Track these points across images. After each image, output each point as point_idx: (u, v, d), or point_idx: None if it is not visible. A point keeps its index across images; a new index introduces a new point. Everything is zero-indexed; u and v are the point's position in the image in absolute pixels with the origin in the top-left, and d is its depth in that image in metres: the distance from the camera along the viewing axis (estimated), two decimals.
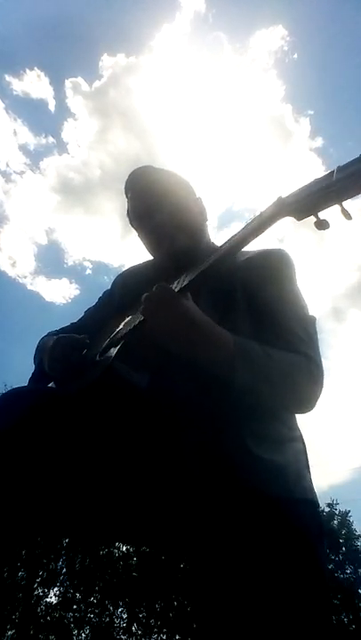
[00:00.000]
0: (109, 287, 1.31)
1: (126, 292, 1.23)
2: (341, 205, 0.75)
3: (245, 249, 1.11)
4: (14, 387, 0.97)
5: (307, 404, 0.97)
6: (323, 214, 0.78)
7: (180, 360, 0.91)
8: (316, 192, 0.76)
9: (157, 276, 1.13)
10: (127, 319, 1.07)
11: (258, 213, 0.86)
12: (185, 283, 0.90)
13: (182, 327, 0.87)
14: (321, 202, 0.76)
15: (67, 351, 1.07)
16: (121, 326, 1.08)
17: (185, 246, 1.10)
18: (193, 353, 0.89)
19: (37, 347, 1.26)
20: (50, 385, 1.23)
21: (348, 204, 0.75)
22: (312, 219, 0.79)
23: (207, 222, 1.21)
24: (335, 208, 0.76)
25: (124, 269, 1.33)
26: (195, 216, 1.16)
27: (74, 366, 1.06)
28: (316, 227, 0.78)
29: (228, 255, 0.89)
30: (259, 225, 0.85)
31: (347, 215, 0.75)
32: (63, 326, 1.35)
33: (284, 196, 0.82)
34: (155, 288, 0.89)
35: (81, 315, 1.36)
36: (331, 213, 0.78)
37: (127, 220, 1.19)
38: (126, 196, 1.19)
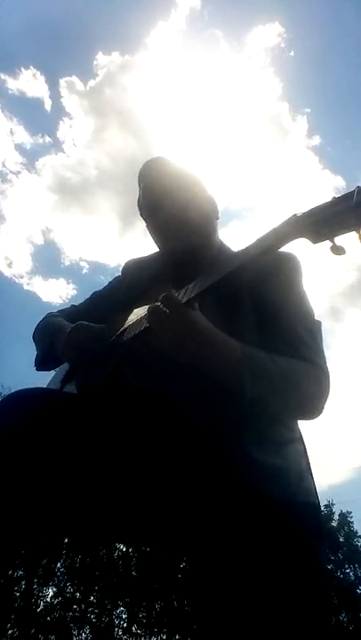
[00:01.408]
0: (120, 274, 1.29)
1: (133, 284, 1.21)
2: (359, 232, 0.71)
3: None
4: (11, 387, 0.96)
5: (314, 410, 0.95)
6: (339, 239, 0.74)
7: (182, 366, 0.89)
8: (333, 216, 0.72)
9: (162, 274, 1.13)
10: (132, 317, 1.06)
11: (271, 230, 0.83)
12: (193, 294, 0.88)
13: (188, 338, 0.85)
14: (338, 228, 0.72)
15: (85, 340, 1.05)
16: (126, 323, 1.07)
17: (190, 243, 1.08)
18: (200, 363, 0.87)
19: (43, 326, 1.24)
20: (59, 368, 1.22)
21: None
22: (327, 242, 0.76)
23: (218, 221, 1.18)
24: (353, 234, 0.72)
25: (130, 259, 1.31)
26: (204, 213, 1.13)
27: (88, 356, 1.05)
28: (332, 252, 0.74)
29: (239, 271, 0.87)
30: (272, 244, 0.82)
31: None
32: (63, 308, 1.33)
33: (298, 214, 0.79)
34: (160, 298, 0.87)
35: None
36: (348, 238, 0.75)
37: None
38: (139, 186, 1.17)
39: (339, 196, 0.74)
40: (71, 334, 1.06)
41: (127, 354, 0.98)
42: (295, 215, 0.78)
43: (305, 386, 0.93)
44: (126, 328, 1.04)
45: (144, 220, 1.19)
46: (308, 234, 0.76)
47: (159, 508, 0.94)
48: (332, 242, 0.74)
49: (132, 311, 1.08)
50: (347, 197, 0.72)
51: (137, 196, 1.20)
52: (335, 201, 0.73)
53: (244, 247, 0.87)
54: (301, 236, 0.78)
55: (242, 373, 0.86)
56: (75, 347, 1.05)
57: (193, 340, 0.85)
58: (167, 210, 1.10)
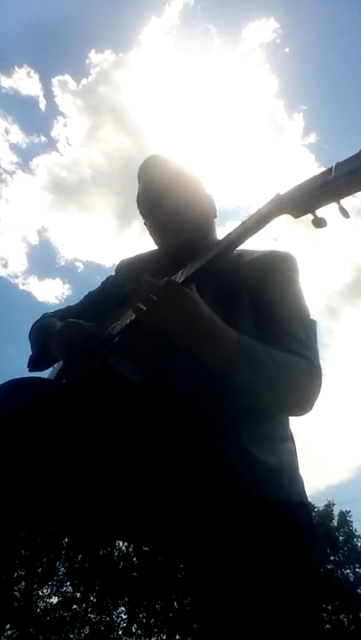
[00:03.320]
0: (114, 273, 1.30)
1: (128, 281, 1.17)
2: (339, 203, 0.74)
3: (251, 249, 1.11)
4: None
5: (304, 405, 0.96)
6: (320, 212, 0.78)
7: (176, 357, 0.90)
8: (313, 190, 0.76)
9: (158, 270, 1.13)
10: (128, 312, 1.06)
11: (256, 210, 0.86)
12: (183, 277, 0.90)
13: (188, 320, 0.86)
14: (318, 200, 0.75)
15: (75, 335, 1.06)
16: (120, 318, 1.07)
17: (190, 239, 1.09)
18: (195, 347, 0.88)
19: (37, 327, 1.25)
20: (55, 366, 1.22)
21: (346, 201, 0.75)
22: (309, 216, 0.79)
23: (215, 219, 1.21)
24: (333, 206, 0.76)
25: (124, 258, 1.32)
26: (203, 211, 1.16)
27: (79, 352, 1.05)
28: (314, 225, 0.78)
29: (227, 251, 0.89)
30: (256, 222, 0.85)
31: (344, 213, 0.74)
32: (59, 309, 1.34)
33: (281, 193, 0.82)
34: (162, 282, 0.88)
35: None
36: (328, 211, 0.78)
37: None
38: (139, 182, 1.19)
39: (319, 172, 0.78)
40: (60, 331, 1.07)
41: (118, 345, 0.98)
42: (278, 194, 0.82)
43: (298, 380, 0.94)
44: (119, 320, 1.05)
45: (143, 216, 1.21)
46: (290, 209, 0.80)
47: (153, 504, 0.94)
48: (314, 215, 0.78)
49: (127, 309, 1.09)
50: (326, 173, 0.76)
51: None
52: (315, 176, 0.78)
53: (232, 229, 0.90)
54: (284, 212, 0.81)
55: (237, 360, 0.87)
56: (64, 343, 1.06)
57: (192, 323, 0.86)
58: (167, 207, 1.12)
